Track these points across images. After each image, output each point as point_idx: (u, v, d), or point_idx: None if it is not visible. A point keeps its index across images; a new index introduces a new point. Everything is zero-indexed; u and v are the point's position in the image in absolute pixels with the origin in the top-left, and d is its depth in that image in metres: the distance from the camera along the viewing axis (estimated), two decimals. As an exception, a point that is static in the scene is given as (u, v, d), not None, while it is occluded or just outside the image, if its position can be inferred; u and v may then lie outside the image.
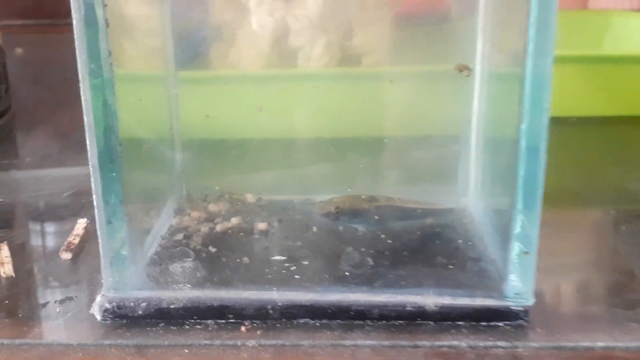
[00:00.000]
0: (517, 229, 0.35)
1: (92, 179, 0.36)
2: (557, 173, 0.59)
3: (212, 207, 0.47)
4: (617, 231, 0.48)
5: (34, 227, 0.49)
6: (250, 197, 0.49)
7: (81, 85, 0.35)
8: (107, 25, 0.35)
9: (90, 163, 0.36)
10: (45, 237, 0.48)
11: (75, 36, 0.34)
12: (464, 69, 0.43)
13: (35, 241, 0.47)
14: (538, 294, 0.36)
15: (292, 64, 0.63)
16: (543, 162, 0.35)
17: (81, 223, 0.47)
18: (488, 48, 0.44)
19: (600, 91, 0.70)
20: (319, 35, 0.65)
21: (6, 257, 0.43)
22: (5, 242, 0.45)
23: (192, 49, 0.51)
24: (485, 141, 0.45)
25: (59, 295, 0.40)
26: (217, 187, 0.49)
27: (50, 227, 0.49)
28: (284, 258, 0.40)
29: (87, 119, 0.35)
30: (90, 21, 0.34)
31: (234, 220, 0.45)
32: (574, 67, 0.70)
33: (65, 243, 0.45)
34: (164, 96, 0.46)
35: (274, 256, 0.40)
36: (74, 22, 0.34)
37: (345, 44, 0.62)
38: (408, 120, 0.50)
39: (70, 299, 0.40)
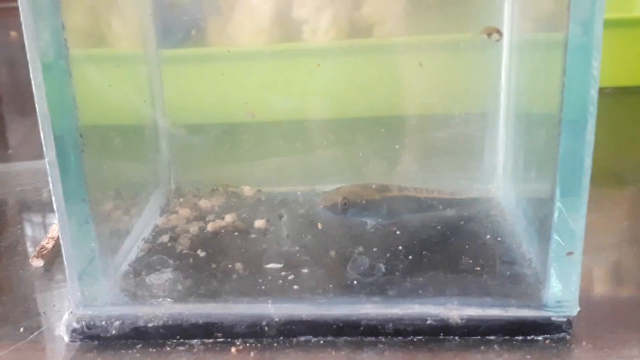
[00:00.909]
0: (557, 222, 0.29)
1: (50, 178, 0.30)
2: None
3: (204, 203, 0.41)
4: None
5: (5, 228, 0.44)
6: (247, 190, 0.43)
7: (31, 67, 0.29)
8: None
9: (46, 159, 0.30)
10: (17, 240, 0.42)
11: (20, 6, 0.28)
12: (493, 32, 0.36)
13: (5, 245, 0.42)
14: (583, 300, 0.31)
15: (296, 38, 0.57)
16: (590, 141, 0.28)
17: (57, 225, 0.42)
18: (519, 11, 0.37)
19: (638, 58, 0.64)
20: (325, 6, 0.58)
21: (-32, 266, 0.38)
22: (-29, 248, 0.40)
23: (182, 25, 0.46)
24: (516, 118, 0.38)
25: (24, 311, 0.35)
26: (212, 176, 0.43)
27: (23, 229, 0.44)
28: (280, 265, 0.34)
29: (40, 107, 0.29)
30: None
31: (228, 218, 0.40)
32: (609, 31, 0.63)
33: (37, 248, 0.40)
34: (145, 78, 0.41)
35: (268, 263, 0.34)
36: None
37: (354, 15, 0.56)
38: (426, 97, 0.44)
39: (37, 315, 0.34)
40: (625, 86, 0.65)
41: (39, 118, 0.30)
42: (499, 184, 0.42)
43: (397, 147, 0.44)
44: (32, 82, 0.29)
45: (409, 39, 0.47)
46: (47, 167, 0.30)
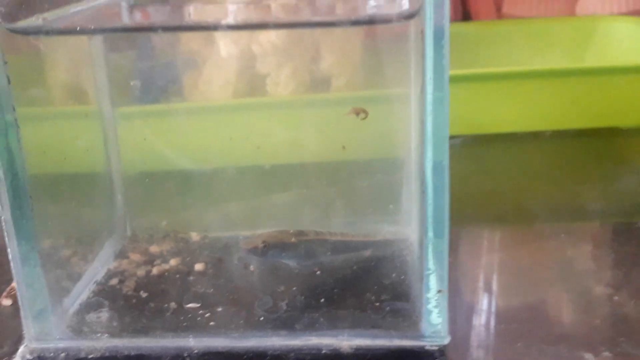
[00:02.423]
0: (428, 262, 0.35)
1: (5, 232, 0.36)
2: (521, 189, 0.58)
3: (154, 249, 0.47)
4: (561, 255, 0.47)
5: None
6: (195, 236, 0.49)
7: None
8: (9, 82, 0.35)
9: (2, 217, 0.36)
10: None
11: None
12: (361, 112, 0.42)
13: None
14: (460, 331, 0.36)
15: (261, 90, 0.63)
16: (446, 187, 0.34)
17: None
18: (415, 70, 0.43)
19: (574, 104, 0.69)
20: (285, 62, 0.65)
21: (-58, 304, 0.44)
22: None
23: (136, 84, 0.51)
24: (416, 165, 0.44)
25: (-11, 346, 0.40)
26: (164, 223, 0.49)
27: (-1, 272, 0.49)
28: (198, 305, 0.40)
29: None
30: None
31: (173, 262, 0.45)
32: (546, 81, 0.69)
33: (8, 288, 0.45)
34: (99, 133, 0.47)
35: (190, 303, 0.40)
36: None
37: (313, 68, 0.62)
38: (354, 147, 0.50)
39: (1, 347, 0.40)
40: (563, 129, 0.70)
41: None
42: (414, 226, 0.47)
43: (328, 193, 0.49)
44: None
45: (337, 94, 0.54)
46: (4, 224, 0.36)
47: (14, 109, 0.35)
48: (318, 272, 0.43)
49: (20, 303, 0.37)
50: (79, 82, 0.48)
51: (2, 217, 0.36)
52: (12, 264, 0.37)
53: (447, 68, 0.33)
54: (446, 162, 0.34)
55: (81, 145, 0.46)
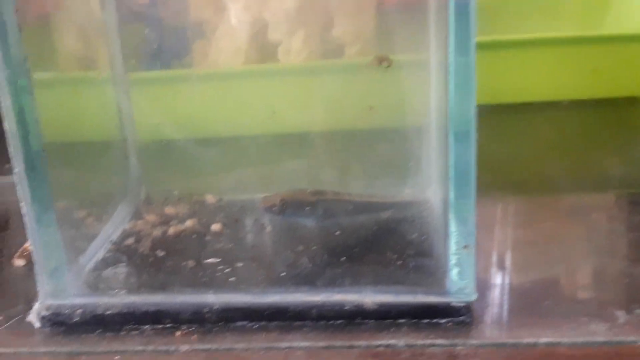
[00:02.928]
0: (453, 220, 0.34)
1: (19, 188, 0.35)
2: (539, 158, 0.57)
3: (169, 210, 0.46)
4: (584, 220, 0.46)
5: (-4, 235, 0.49)
6: (210, 198, 0.48)
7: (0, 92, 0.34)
8: (20, 31, 0.34)
9: (15, 171, 0.35)
10: (4, 244, 0.47)
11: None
12: (384, 61, 0.41)
13: (-6, 249, 0.47)
14: (485, 288, 0.35)
15: (272, 58, 0.62)
16: (474, 150, 0.33)
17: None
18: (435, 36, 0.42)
19: (593, 73, 0.68)
20: (297, 29, 0.63)
21: (-43, 265, 0.43)
22: (-40, 249, 0.45)
23: (150, 49, 0.51)
24: (438, 131, 0.43)
25: (5, 303, 0.40)
26: (175, 192, 0.48)
27: (9, 232, 0.49)
28: (218, 260, 0.39)
29: (9, 126, 0.34)
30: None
31: (189, 223, 0.44)
32: (565, 49, 0.68)
33: (21, 249, 0.45)
34: (113, 98, 0.46)
35: (208, 259, 0.39)
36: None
37: (326, 36, 0.61)
38: (376, 113, 0.49)
39: (15, 306, 0.39)
40: (581, 99, 0.69)
41: (8, 136, 0.35)
42: (434, 189, 0.46)
43: (348, 158, 0.49)
44: (2, 105, 0.34)
45: (360, 59, 0.53)
46: (16, 179, 0.35)
47: (26, 59, 0.34)
48: (337, 232, 0.42)
49: (34, 259, 0.37)
50: (93, 49, 0.47)
51: (15, 172, 0.35)
52: (26, 220, 0.36)
53: (474, 28, 0.32)
54: (473, 126, 0.33)
55: (96, 110, 0.45)
